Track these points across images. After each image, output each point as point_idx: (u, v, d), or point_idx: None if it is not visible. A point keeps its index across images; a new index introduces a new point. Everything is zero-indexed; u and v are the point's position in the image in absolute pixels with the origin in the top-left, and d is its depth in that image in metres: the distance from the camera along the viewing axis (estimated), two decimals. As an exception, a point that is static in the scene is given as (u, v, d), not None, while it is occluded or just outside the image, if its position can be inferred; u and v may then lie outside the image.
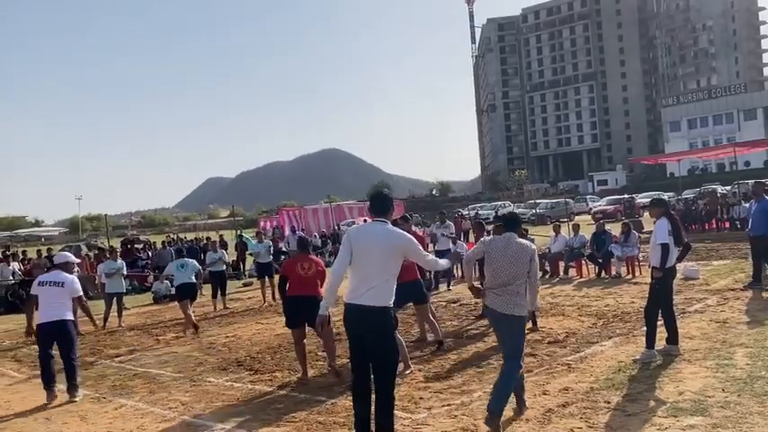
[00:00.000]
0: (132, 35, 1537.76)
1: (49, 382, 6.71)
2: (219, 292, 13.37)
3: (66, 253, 8.78)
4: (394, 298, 4.47)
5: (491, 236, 5.68)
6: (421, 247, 4.74)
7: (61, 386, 6.84)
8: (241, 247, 22.09)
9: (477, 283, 5.67)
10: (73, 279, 7.10)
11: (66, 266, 7.24)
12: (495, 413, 4.64)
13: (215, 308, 13.12)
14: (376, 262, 4.39)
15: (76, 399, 6.69)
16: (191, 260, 11.32)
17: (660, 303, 6.53)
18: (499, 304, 4.87)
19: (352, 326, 4.45)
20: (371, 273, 4.37)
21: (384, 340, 4.38)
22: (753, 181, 12.78)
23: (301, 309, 6.64)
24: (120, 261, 13.05)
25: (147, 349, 9.61)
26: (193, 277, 11.05)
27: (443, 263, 5.20)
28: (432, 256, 4.97)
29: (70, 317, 6.89)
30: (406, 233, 4.66)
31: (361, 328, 4.39)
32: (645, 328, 6.59)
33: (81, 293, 7.11)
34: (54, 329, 6.75)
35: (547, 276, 13.79)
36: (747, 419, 4.52)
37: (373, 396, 4.40)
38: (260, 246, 14.30)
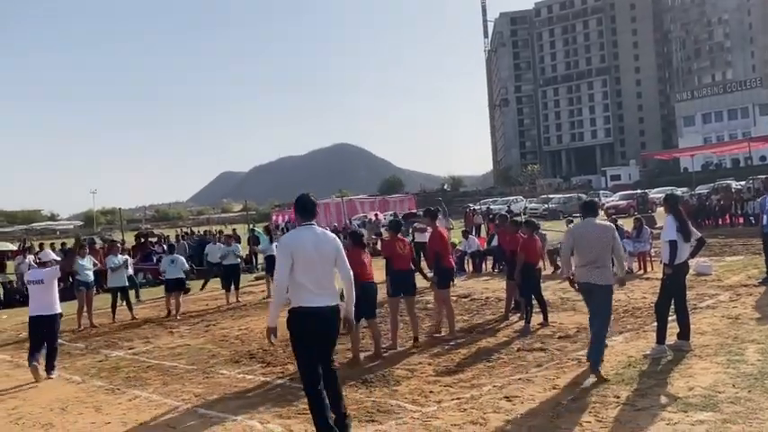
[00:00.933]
0: (147, 31, 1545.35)
1: (31, 361, 7.59)
2: (233, 286, 13.43)
3: (48, 251, 9.94)
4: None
5: (573, 223, 6.76)
6: (345, 256, 4.78)
7: (71, 375, 6.93)
8: (253, 241, 22.20)
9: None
10: (49, 271, 7.95)
11: (46, 264, 8.17)
12: (596, 363, 5.72)
13: (227, 301, 13.21)
14: (319, 265, 4.55)
15: (52, 376, 7.67)
16: (180, 257, 12.89)
17: (671, 299, 6.53)
18: (590, 277, 5.85)
19: (311, 327, 4.50)
20: (319, 276, 4.54)
21: (336, 333, 4.70)
22: (765, 176, 12.63)
23: (403, 281, 7.81)
24: (121, 256, 12.99)
25: (161, 342, 9.71)
26: (182, 273, 12.45)
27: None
28: (349, 268, 4.80)
29: (53, 311, 7.79)
30: (333, 235, 4.85)
31: (321, 328, 4.54)
32: (655, 324, 6.59)
33: (59, 273, 8.09)
34: (40, 322, 7.71)
35: (558, 272, 13.76)
36: (758, 415, 4.52)
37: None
38: (266, 242, 14.33)
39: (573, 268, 6.26)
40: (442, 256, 8.33)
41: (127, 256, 13.85)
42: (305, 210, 4.71)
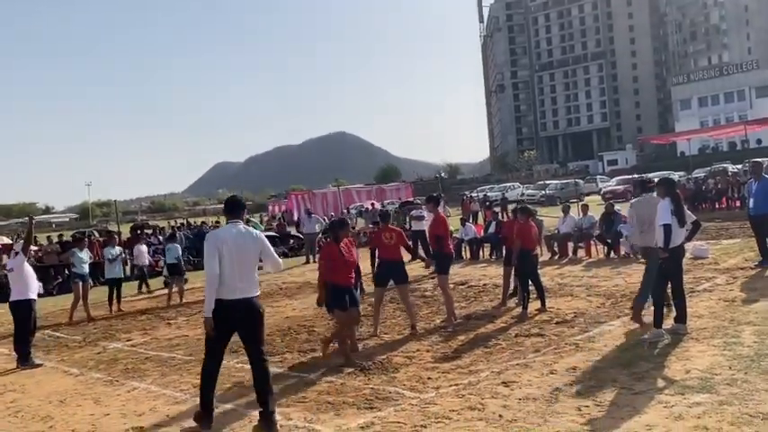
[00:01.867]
0: (143, 23, 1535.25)
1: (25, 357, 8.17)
2: None
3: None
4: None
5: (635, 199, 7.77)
6: (270, 246, 5.20)
7: (77, 371, 6.93)
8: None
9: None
10: (15, 260, 8.56)
11: (18, 254, 8.65)
12: (639, 305, 7.07)
13: None
14: (244, 259, 4.92)
15: (26, 367, 8.04)
16: (175, 245, 13.69)
17: (668, 283, 6.54)
18: (647, 241, 7.00)
19: (230, 317, 4.86)
20: (240, 269, 4.88)
21: (260, 320, 4.99)
22: (752, 160, 12.61)
23: (390, 271, 7.99)
24: (117, 248, 13.29)
25: (159, 333, 9.71)
26: (175, 259, 13.20)
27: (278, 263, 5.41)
28: (276, 257, 5.27)
29: (22, 296, 8.30)
30: (257, 232, 5.23)
31: (240, 318, 4.89)
32: (653, 308, 6.59)
33: (25, 257, 8.61)
34: (14, 307, 8.30)
35: (555, 257, 13.79)
36: (754, 396, 4.54)
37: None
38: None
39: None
40: (443, 241, 8.33)
41: (121, 249, 14.00)
42: (232, 209, 5.14)
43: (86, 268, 11.98)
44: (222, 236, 4.95)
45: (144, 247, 16.06)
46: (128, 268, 16.73)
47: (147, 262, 15.71)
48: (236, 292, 4.84)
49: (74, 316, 11.51)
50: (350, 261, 6.88)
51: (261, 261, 5.12)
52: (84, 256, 12.04)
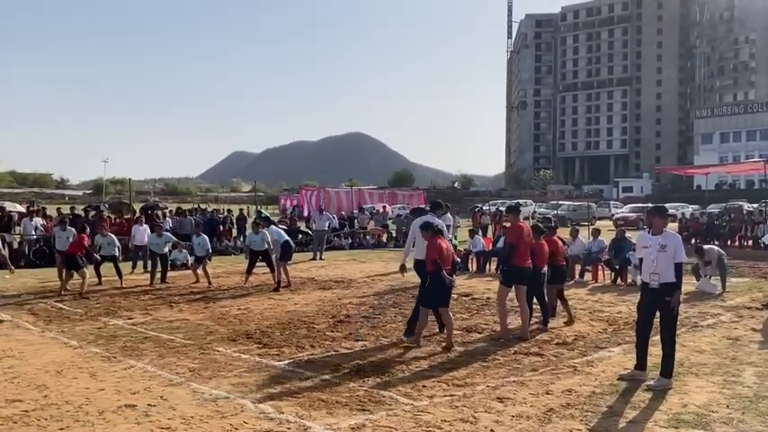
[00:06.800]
0: (169, 10, 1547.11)
1: None
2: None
3: None
4: None
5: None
6: None
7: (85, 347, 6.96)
8: (264, 219, 22.11)
9: None
10: None
11: None
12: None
13: (245, 281, 13.05)
14: None
15: None
16: (203, 237, 13.97)
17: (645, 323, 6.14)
18: None
19: None
20: None
21: None
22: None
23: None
24: (70, 228, 13.59)
25: (160, 314, 9.76)
26: (166, 248, 13.73)
27: None
28: None
29: None
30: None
31: None
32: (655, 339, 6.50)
33: None
34: None
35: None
36: (749, 438, 4.50)
37: None
38: (255, 236, 13.88)
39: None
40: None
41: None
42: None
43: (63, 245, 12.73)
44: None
45: (143, 228, 15.86)
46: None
47: (145, 241, 15.49)
48: None
49: (84, 288, 11.70)
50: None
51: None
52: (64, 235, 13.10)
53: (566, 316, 8.92)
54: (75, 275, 11.89)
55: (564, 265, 9.03)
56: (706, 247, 12.96)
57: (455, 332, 8.20)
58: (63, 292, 11.67)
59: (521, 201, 46.97)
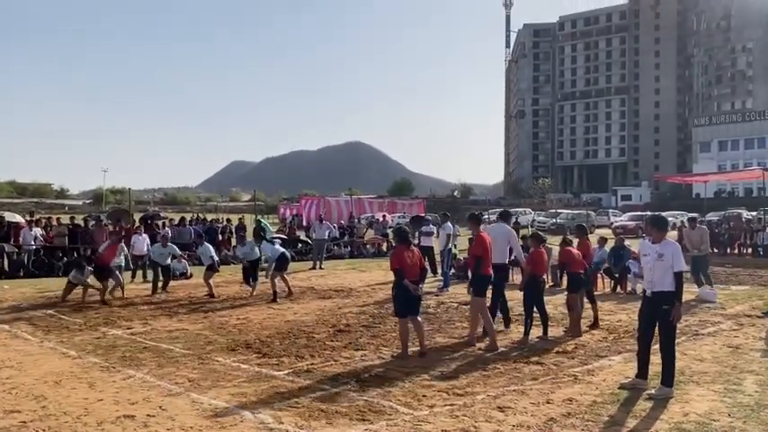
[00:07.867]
0: (168, 21, 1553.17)
1: None
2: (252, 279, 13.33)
3: None
4: None
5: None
6: None
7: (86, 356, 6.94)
8: (260, 232, 22.11)
9: None
10: None
11: None
12: None
13: (251, 293, 13.02)
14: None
15: None
16: (207, 245, 13.92)
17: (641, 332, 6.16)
18: None
19: None
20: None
21: None
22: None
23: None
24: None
25: (159, 324, 9.73)
26: (169, 259, 13.74)
27: None
28: None
29: None
30: None
31: None
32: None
33: None
34: None
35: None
36: (751, 446, 4.48)
37: None
38: (243, 247, 13.90)
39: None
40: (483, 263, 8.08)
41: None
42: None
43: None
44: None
45: (142, 237, 15.90)
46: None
47: (144, 251, 15.57)
48: None
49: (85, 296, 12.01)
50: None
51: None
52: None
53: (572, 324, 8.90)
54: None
55: (580, 273, 9.00)
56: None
57: (454, 341, 8.23)
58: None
59: (519, 209, 47.04)
